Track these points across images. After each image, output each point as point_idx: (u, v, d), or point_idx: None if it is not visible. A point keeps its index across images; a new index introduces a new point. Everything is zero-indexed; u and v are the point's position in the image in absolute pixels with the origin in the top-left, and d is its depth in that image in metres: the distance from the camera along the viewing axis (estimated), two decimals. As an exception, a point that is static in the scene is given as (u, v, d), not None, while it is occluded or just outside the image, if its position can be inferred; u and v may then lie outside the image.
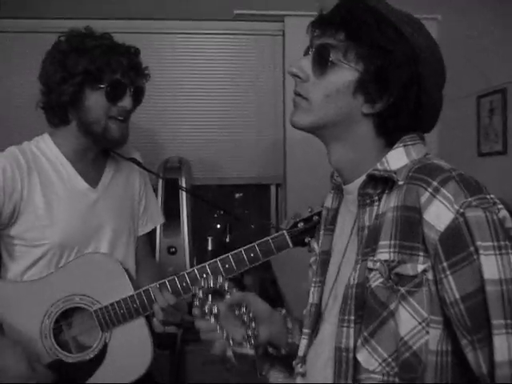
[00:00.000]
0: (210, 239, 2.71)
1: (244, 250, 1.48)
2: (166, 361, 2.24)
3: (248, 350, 1.08)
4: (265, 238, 1.50)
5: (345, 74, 0.94)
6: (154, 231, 2.61)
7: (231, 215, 2.04)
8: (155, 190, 2.58)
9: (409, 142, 0.98)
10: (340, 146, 1.00)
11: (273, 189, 3.18)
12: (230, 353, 1.07)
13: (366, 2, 0.95)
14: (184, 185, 2.71)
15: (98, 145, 1.60)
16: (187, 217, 2.70)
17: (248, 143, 3.01)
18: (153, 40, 3.02)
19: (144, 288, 1.50)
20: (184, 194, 2.65)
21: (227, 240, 2.65)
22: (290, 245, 1.47)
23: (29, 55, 2.93)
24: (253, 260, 1.47)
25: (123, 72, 1.50)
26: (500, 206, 0.87)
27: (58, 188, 1.55)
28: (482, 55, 2.71)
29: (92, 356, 1.49)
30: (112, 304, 1.49)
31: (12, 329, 1.47)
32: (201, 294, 1.09)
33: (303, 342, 1.07)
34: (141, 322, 1.50)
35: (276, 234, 1.50)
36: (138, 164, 1.73)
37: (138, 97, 1.57)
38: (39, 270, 1.52)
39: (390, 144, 0.98)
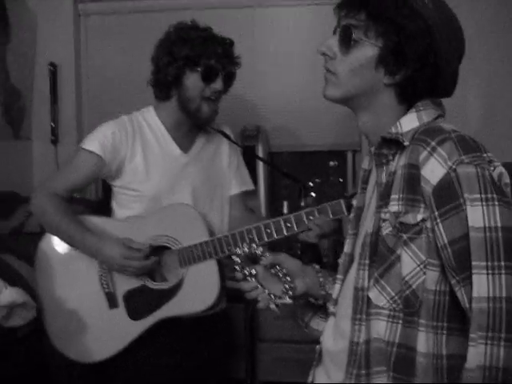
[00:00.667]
0: (285, 203, 2.85)
1: (305, 213, 1.71)
2: (241, 314, 2.43)
3: (288, 301, 1.21)
4: (323, 204, 1.69)
5: (367, 50, 1.04)
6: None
7: (299, 182, 2.17)
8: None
9: (421, 108, 1.06)
10: (366, 114, 1.10)
11: (349, 155, 3.25)
12: (272, 305, 1.20)
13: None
14: (261, 152, 2.88)
15: (191, 120, 1.87)
16: (264, 182, 2.87)
17: (324, 111, 3.07)
18: (226, 14, 3.18)
19: (217, 236, 1.75)
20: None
21: (302, 204, 2.77)
22: (345, 212, 1.61)
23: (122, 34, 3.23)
24: (288, 229, 1.72)
25: (217, 59, 1.75)
26: (496, 164, 0.96)
27: (156, 151, 1.85)
28: None
29: (171, 286, 1.74)
30: (191, 246, 1.74)
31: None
32: (239, 260, 1.23)
33: (336, 287, 1.19)
34: (212, 263, 1.74)
35: (334, 201, 1.70)
36: (226, 136, 2.00)
37: (228, 81, 1.83)
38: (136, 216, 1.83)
39: (409, 110, 1.08)
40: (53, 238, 1.81)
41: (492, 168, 0.95)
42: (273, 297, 1.21)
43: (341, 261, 1.21)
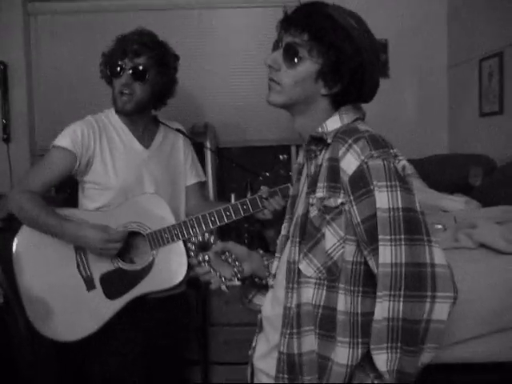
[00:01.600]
0: (232, 195, 3.03)
1: (258, 196, 1.93)
2: (193, 299, 2.59)
3: (236, 282, 1.42)
4: (274, 188, 1.94)
5: (309, 65, 1.22)
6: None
7: (250, 172, 2.39)
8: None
9: (343, 112, 1.27)
10: (302, 117, 1.30)
11: (293, 149, 3.46)
12: (223, 287, 1.39)
13: (323, 8, 1.23)
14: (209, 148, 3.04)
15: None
16: (212, 176, 3.04)
17: (269, 108, 3.24)
18: (177, 15, 3.36)
19: (183, 220, 1.95)
20: (209, 156, 2.99)
21: (249, 196, 2.94)
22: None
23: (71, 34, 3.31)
24: (245, 211, 1.93)
25: (120, 56, 1.93)
26: (400, 158, 1.18)
27: (120, 148, 2.02)
28: (484, 19, 2.88)
29: (143, 266, 1.92)
30: (159, 230, 1.92)
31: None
32: (193, 248, 1.42)
33: (275, 263, 1.38)
34: (179, 244, 1.93)
35: (283, 185, 1.95)
36: (182, 132, 2.20)
37: (139, 72, 1.95)
38: (105, 208, 1.99)
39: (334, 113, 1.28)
40: (28, 230, 1.93)
41: (397, 161, 1.16)
42: (223, 279, 1.38)
43: (278, 241, 1.40)
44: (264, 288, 1.46)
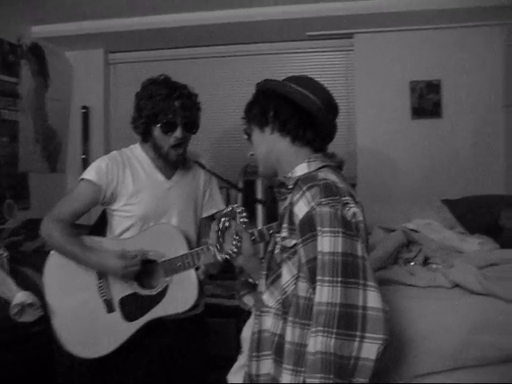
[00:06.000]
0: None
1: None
2: (234, 328, 2.75)
3: (219, 258, 1.61)
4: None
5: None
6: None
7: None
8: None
9: (311, 159, 1.41)
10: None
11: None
12: (217, 255, 1.60)
13: (265, 93, 1.45)
14: (260, 186, 3.23)
15: (164, 160, 2.17)
16: (262, 215, 3.20)
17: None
18: (238, 62, 3.67)
19: (193, 250, 2.05)
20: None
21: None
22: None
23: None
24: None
25: (174, 113, 2.04)
26: (351, 206, 1.27)
27: (143, 178, 2.13)
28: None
29: (158, 292, 2.06)
30: (173, 258, 2.05)
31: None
32: (223, 212, 1.61)
33: (262, 281, 1.46)
34: (192, 272, 2.05)
35: None
36: (201, 165, 2.28)
37: (190, 127, 2.09)
38: (127, 235, 2.13)
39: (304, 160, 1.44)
40: (57, 255, 2.12)
41: (347, 209, 1.26)
42: (218, 247, 1.59)
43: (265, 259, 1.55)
44: (255, 290, 1.58)
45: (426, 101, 3.44)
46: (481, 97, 3.39)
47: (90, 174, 2.08)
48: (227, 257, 1.56)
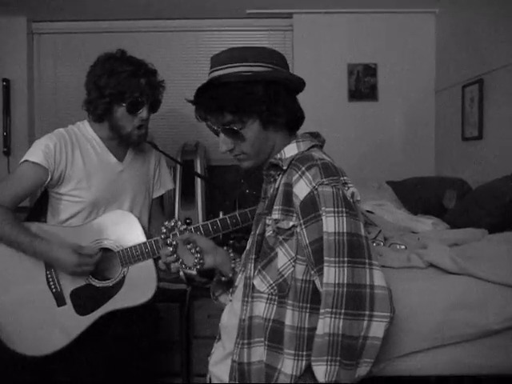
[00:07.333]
0: (221, 213, 3.11)
1: (228, 217, 1.96)
2: (177, 312, 2.67)
3: (194, 272, 1.48)
4: (245, 210, 1.97)
5: (252, 127, 1.32)
6: (173, 206, 3.13)
7: (226, 193, 2.46)
8: (174, 171, 3.08)
9: (300, 139, 1.37)
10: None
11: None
12: (181, 273, 1.47)
13: (216, 84, 1.31)
14: (199, 165, 3.14)
15: (123, 141, 2.04)
16: (201, 193, 3.12)
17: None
18: (175, 37, 3.50)
19: (154, 238, 1.94)
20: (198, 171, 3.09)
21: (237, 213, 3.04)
22: None
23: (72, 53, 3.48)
24: (235, 224, 1.97)
25: (141, 92, 1.90)
26: (350, 185, 1.25)
27: (94, 160, 2.00)
28: (469, 46, 2.98)
29: (114, 283, 1.94)
30: (130, 247, 1.93)
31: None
32: (164, 230, 1.48)
33: (238, 276, 1.46)
34: (150, 262, 1.94)
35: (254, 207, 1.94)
36: (154, 146, 2.18)
37: (154, 106, 1.99)
38: (75, 220, 1.99)
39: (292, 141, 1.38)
40: None
41: (346, 188, 1.24)
42: (183, 266, 1.46)
43: (243, 255, 1.49)
44: (229, 287, 1.54)
45: (363, 84, 3.50)
46: (414, 81, 3.53)
47: (36, 155, 1.90)
48: (198, 267, 1.46)
